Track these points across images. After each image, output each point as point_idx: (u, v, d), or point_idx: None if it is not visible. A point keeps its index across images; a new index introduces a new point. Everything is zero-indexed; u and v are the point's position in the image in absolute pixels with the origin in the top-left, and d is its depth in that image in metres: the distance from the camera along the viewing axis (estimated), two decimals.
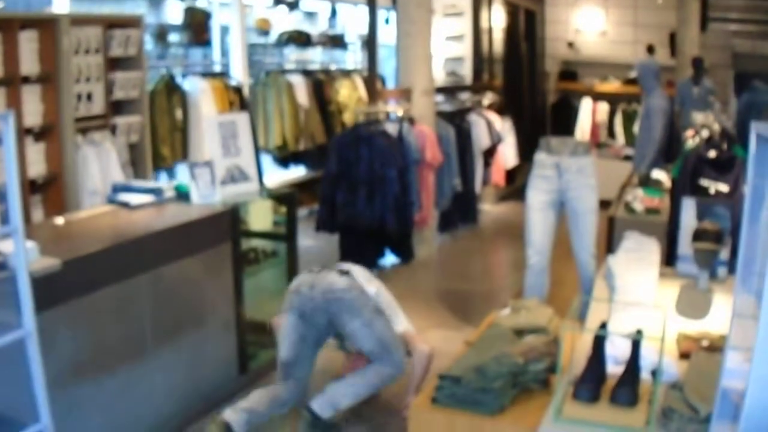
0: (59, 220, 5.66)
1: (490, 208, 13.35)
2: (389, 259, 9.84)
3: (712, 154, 6.86)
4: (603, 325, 4.45)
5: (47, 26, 7.06)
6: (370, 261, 9.06)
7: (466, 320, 7.92)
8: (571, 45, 17.82)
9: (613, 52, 17.20)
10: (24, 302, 3.88)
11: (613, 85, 16.92)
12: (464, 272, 10.06)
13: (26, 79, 6.92)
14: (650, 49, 14.67)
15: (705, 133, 7.22)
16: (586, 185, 6.83)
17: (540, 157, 6.94)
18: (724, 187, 6.63)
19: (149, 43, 8.93)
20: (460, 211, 11.41)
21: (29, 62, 6.94)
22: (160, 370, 5.49)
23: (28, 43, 6.93)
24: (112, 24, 7.81)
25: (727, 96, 14.44)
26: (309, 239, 9.98)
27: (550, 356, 4.83)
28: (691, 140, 7.45)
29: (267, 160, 10.88)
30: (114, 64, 7.86)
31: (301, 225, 7.16)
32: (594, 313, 5.20)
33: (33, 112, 6.98)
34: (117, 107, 7.95)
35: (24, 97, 6.85)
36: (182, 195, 6.21)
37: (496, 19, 15.07)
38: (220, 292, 6.11)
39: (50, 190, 7.17)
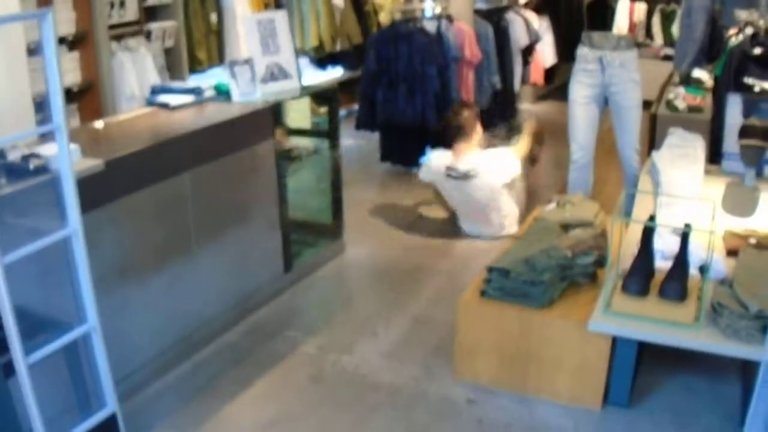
0: (99, 124, 5.63)
1: (529, 107, 13.21)
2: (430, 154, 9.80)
3: (757, 51, 6.75)
4: (651, 218, 4.41)
5: None
6: (411, 158, 9.02)
7: None
8: None
9: None
10: (68, 200, 3.87)
11: None
12: None
13: None
14: None
15: (749, 30, 7.10)
16: (629, 80, 6.74)
17: (583, 51, 6.85)
18: None
19: None
20: (499, 109, 11.29)
21: None
22: (205, 268, 5.50)
23: None
24: None
25: None
26: (349, 138, 9.95)
27: (598, 250, 4.81)
28: (734, 38, 7.33)
29: (304, 62, 10.80)
30: None
31: (341, 125, 7.12)
32: (640, 206, 5.17)
33: (66, 20, 6.95)
34: (151, 13, 7.92)
35: (56, 5, 6.81)
36: (222, 94, 6.16)
37: None
38: (263, 190, 6.08)
39: (86, 99, 7.19)
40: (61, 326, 3.98)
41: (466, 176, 7.09)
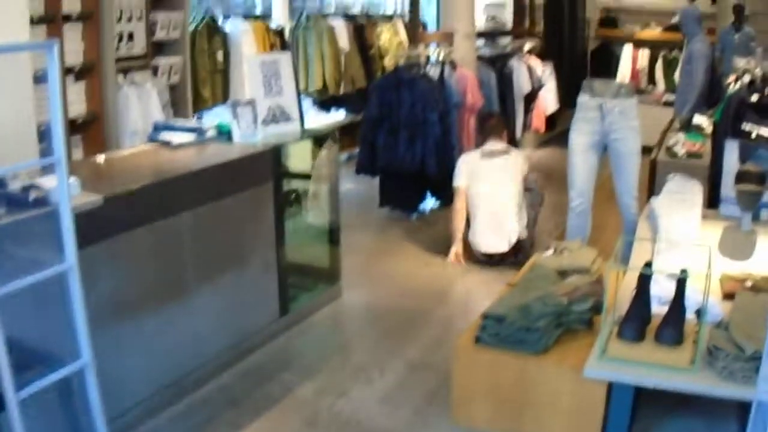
0: (100, 158, 5.65)
1: (530, 153, 13.23)
2: (429, 202, 9.81)
3: (754, 98, 6.83)
4: (648, 264, 4.42)
5: None
6: (410, 204, 9.07)
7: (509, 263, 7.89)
8: None
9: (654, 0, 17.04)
10: (66, 235, 3.88)
11: (653, 32, 16.76)
12: None
13: (67, 18, 6.91)
14: None
15: (747, 78, 7.17)
16: (629, 127, 6.78)
17: (583, 99, 6.89)
18: (766, 131, 6.58)
19: None
20: None
21: (71, 0, 6.93)
22: (200, 309, 5.50)
23: None
24: None
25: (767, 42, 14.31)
26: (349, 182, 9.99)
27: (594, 296, 4.81)
28: (733, 85, 7.40)
29: (307, 104, 10.85)
30: (155, 4, 7.85)
31: (342, 169, 7.17)
32: (638, 253, 5.19)
33: (74, 51, 6.97)
34: (158, 48, 7.95)
35: (65, 35, 6.83)
36: (224, 134, 6.19)
37: None
38: (262, 232, 6.10)
39: (90, 130, 7.18)
40: (55, 361, 3.97)
41: (503, 152, 7.80)
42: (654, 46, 16.57)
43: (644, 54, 16.57)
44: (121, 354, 4.81)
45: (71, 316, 4.00)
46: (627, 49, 16.62)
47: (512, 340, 4.62)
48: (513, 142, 11.65)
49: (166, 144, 5.93)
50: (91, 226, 4.36)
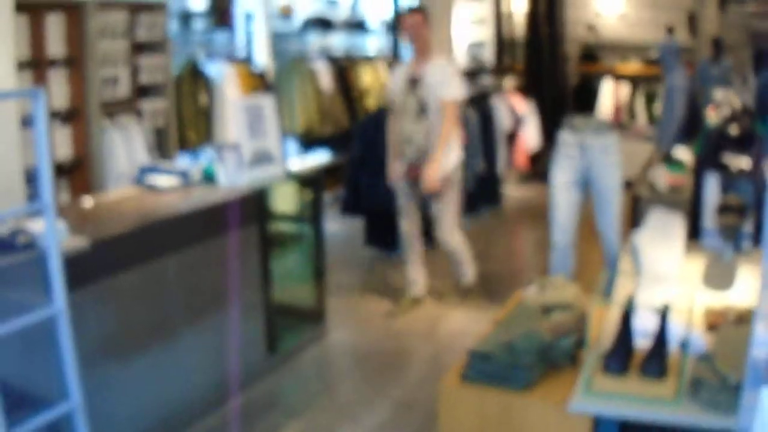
0: (87, 202, 5.69)
1: (513, 191, 13.32)
2: None
3: (733, 130, 6.87)
4: (630, 298, 4.46)
5: (73, 10, 7.12)
6: (394, 244, 9.09)
7: (492, 300, 7.92)
8: (591, 28, 17.76)
9: (633, 34, 17.14)
10: (54, 279, 3.92)
11: (633, 66, 16.87)
12: (489, 254, 10.05)
13: (53, 62, 7.00)
14: (670, 30, 14.64)
15: (726, 110, 7.23)
16: (610, 163, 6.83)
17: (564, 136, 6.95)
18: (745, 163, 6.63)
19: (174, 28, 8.92)
20: (483, 193, 11.39)
21: (56, 45, 7.01)
22: (188, 350, 5.53)
23: (54, 26, 7.00)
24: (137, 9, 7.86)
25: (746, 75, 14.42)
26: (335, 223, 10.03)
27: (578, 332, 4.84)
28: (712, 116, 7.45)
29: (291, 146, 10.90)
30: (139, 48, 7.92)
31: (326, 210, 7.24)
32: (620, 287, 5.22)
33: (59, 95, 7.03)
34: (143, 91, 8.00)
35: (51, 79, 6.92)
36: (209, 177, 6.24)
37: (518, 3, 15.07)
38: (248, 273, 6.14)
39: (76, 174, 7.24)
40: (44, 402, 4.00)
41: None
42: (634, 81, 16.67)
43: (624, 88, 16.68)
44: (109, 395, 4.84)
45: (60, 358, 4.03)
46: (607, 84, 16.72)
47: (498, 377, 4.63)
48: (496, 179, 11.73)
49: (153, 187, 5.98)
50: (79, 270, 4.40)
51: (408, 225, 7.90)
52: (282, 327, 6.70)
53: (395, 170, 7.78)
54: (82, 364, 4.14)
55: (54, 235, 3.91)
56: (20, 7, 6.35)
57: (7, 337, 3.66)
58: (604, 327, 4.79)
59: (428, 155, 7.47)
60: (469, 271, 8.08)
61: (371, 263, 9.36)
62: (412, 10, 7.88)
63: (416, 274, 8.01)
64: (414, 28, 7.62)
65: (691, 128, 9.56)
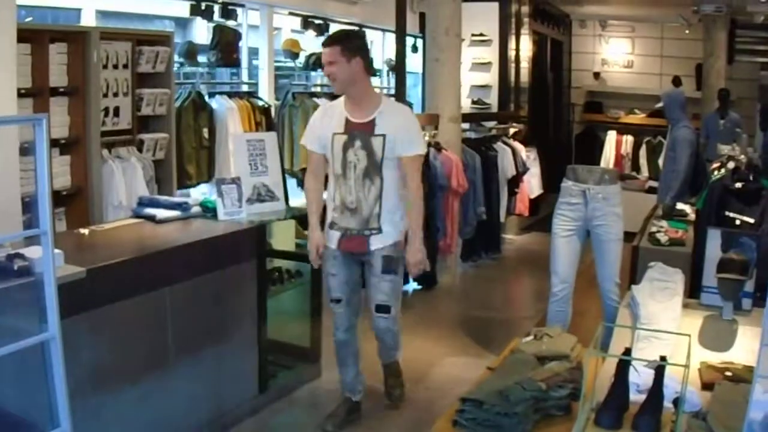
0: (85, 231, 5.68)
1: (513, 238, 13.33)
2: (411, 285, 9.82)
3: (738, 185, 6.85)
4: (627, 352, 4.43)
5: (77, 39, 7.12)
6: None
7: (488, 348, 7.88)
8: (597, 76, 17.85)
9: (638, 84, 17.21)
10: (49, 305, 3.90)
11: (638, 117, 16.91)
12: (486, 300, 10.04)
13: (54, 91, 6.98)
14: (676, 81, 14.66)
15: (731, 165, 7.21)
16: (612, 213, 6.81)
17: (567, 184, 6.93)
18: (749, 219, 6.61)
19: (177, 62, 8.93)
20: (483, 239, 11.39)
21: (58, 74, 7.00)
22: (180, 383, 5.50)
23: (57, 55, 6.99)
24: (141, 40, 7.87)
25: (753, 129, 14.43)
26: None
27: (573, 383, 4.81)
28: (716, 172, 7.43)
29: (292, 184, 10.89)
30: (142, 80, 7.92)
31: None
32: (617, 340, 5.18)
33: (60, 123, 7.03)
34: (144, 123, 8.00)
35: (51, 108, 6.90)
36: (208, 211, 6.22)
37: (524, 48, 15.12)
38: (243, 309, 6.13)
39: (74, 203, 7.24)
40: (33, 428, 3.98)
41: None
42: (638, 132, 16.70)
43: (628, 140, 16.71)
44: (99, 425, 4.82)
45: (51, 384, 4.00)
46: (611, 135, 16.75)
47: (490, 425, 4.59)
48: (497, 225, 11.71)
49: (151, 219, 5.98)
50: (73, 298, 4.40)
51: (345, 320, 6.31)
52: (276, 364, 6.69)
53: (318, 241, 6.10)
54: (73, 391, 4.10)
55: (51, 262, 3.89)
56: (23, 36, 6.35)
57: (2, 362, 3.63)
58: (599, 379, 4.75)
59: (376, 228, 5.97)
60: (401, 352, 6.71)
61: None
62: (329, 40, 6.03)
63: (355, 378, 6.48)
64: (334, 66, 5.85)
65: (695, 182, 9.52)
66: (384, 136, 5.87)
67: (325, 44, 5.99)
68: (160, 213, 6.09)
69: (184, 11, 9.62)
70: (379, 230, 5.98)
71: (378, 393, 6.77)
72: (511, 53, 14.69)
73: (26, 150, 6.25)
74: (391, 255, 6.05)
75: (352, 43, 5.92)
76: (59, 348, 3.93)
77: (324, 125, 6.04)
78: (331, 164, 6.03)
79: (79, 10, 8.26)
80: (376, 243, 6.00)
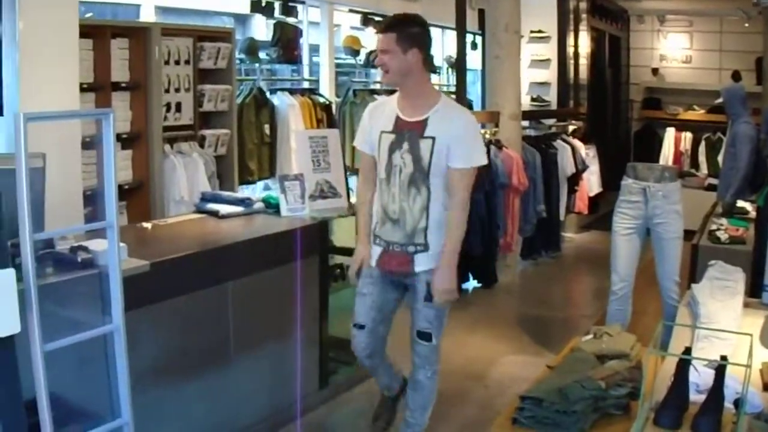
0: (148, 225, 5.75)
1: (573, 236, 13.28)
2: (471, 283, 9.83)
3: None
4: (687, 351, 4.41)
5: (138, 35, 7.18)
6: (463, 281, 9.07)
7: (547, 346, 7.87)
8: (655, 72, 17.70)
9: (697, 79, 17.04)
10: (114, 297, 3.95)
11: (697, 114, 16.74)
12: (546, 299, 10.03)
13: (116, 86, 7.04)
14: (736, 76, 14.48)
15: None
16: (672, 211, 6.78)
17: (627, 182, 6.91)
18: None
19: (237, 58, 8.97)
20: (543, 237, 11.35)
21: (119, 69, 7.07)
22: (240, 378, 5.55)
23: (119, 50, 7.06)
24: (202, 36, 7.92)
25: None
26: None
27: (632, 382, 4.79)
28: None
29: (353, 181, 10.91)
30: (203, 75, 7.96)
31: None
32: (677, 339, 5.16)
33: (121, 118, 7.10)
34: (205, 119, 8.05)
35: (113, 103, 6.97)
36: (271, 207, 6.27)
37: (582, 45, 15.08)
38: (305, 305, 6.15)
39: (135, 197, 7.32)
40: (93, 418, 4.03)
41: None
42: (697, 129, 16.54)
43: (687, 136, 16.56)
44: (159, 417, 4.86)
45: (113, 376, 4.06)
46: (670, 132, 16.62)
47: (549, 423, 4.59)
48: (556, 224, 11.67)
49: (214, 214, 6.04)
50: (136, 291, 4.43)
51: (366, 347, 5.58)
52: (337, 360, 6.73)
53: (364, 256, 5.42)
54: (133, 383, 4.15)
55: (116, 254, 3.95)
56: (84, 31, 6.44)
57: (62, 352, 3.69)
58: (658, 379, 4.73)
59: (422, 245, 5.21)
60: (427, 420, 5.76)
61: None
62: (385, 25, 5.27)
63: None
64: (387, 55, 5.14)
65: (756, 178, 9.42)
66: (434, 138, 5.04)
67: (379, 30, 5.27)
68: (223, 208, 6.16)
69: (243, 8, 9.68)
70: (425, 247, 5.18)
71: (438, 390, 6.77)
72: (570, 50, 14.67)
73: (87, 144, 6.34)
74: None
75: (410, 32, 5.08)
76: (123, 340, 3.99)
77: (373, 123, 5.35)
78: (378, 166, 5.30)
79: (138, 6, 8.32)
80: (422, 263, 5.22)
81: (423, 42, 5.12)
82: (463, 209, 5.15)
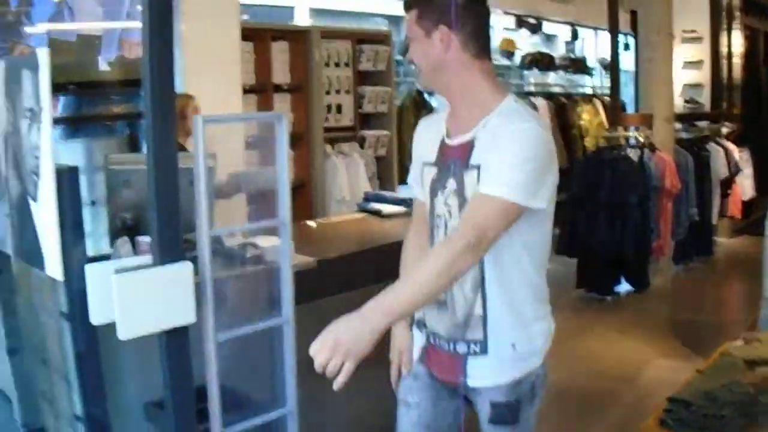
0: (312, 223, 5.93)
1: (725, 241, 13.09)
2: (624, 286, 9.83)
3: None
4: None
5: (298, 38, 7.41)
6: (605, 287, 9.10)
7: (696, 351, 7.81)
8: None
9: None
10: (284, 292, 4.11)
11: None
12: (697, 303, 9.95)
13: (277, 88, 7.27)
14: None
15: None
16: None
17: None
18: None
19: (395, 59, 9.10)
20: (695, 241, 11.24)
21: (281, 72, 7.30)
22: None
23: (279, 53, 7.30)
24: (360, 39, 8.11)
25: None
26: (550, 262, 10.01)
27: None
28: None
29: None
30: (362, 78, 8.15)
31: None
32: None
33: None
34: (365, 120, 8.22)
35: (275, 105, 7.21)
36: None
37: (735, 44, 14.86)
38: None
39: (298, 196, 7.44)
40: (257, 406, 4.21)
41: None
42: None
43: None
44: (318, 408, 5.00)
45: (281, 367, 4.23)
46: None
47: (696, 426, 4.59)
48: (708, 228, 11.56)
49: (376, 213, 6.17)
50: (303, 287, 4.57)
51: None
52: None
53: (402, 346, 3.77)
54: (297, 373, 4.32)
55: (287, 251, 4.12)
56: (245, 34, 6.66)
57: (229, 343, 3.88)
58: None
59: (477, 342, 3.27)
60: None
61: (581, 305, 9.43)
62: (405, 3, 3.11)
63: None
64: (412, 44, 3.13)
65: None
66: (479, 168, 3.01)
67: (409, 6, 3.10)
68: (386, 208, 6.24)
69: (396, 9, 9.81)
70: (483, 348, 3.27)
71: (582, 391, 6.85)
72: (723, 50, 14.43)
73: (249, 144, 6.55)
74: (505, 401, 3.36)
75: (436, 3, 3.01)
76: (291, 333, 4.16)
77: (419, 150, 3.41)
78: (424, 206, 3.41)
79: (291, 8, 8.53)
80: (478, 374, 3.30)
81: (457, 16, 3.00)
82: (454, 248, 2.89)
